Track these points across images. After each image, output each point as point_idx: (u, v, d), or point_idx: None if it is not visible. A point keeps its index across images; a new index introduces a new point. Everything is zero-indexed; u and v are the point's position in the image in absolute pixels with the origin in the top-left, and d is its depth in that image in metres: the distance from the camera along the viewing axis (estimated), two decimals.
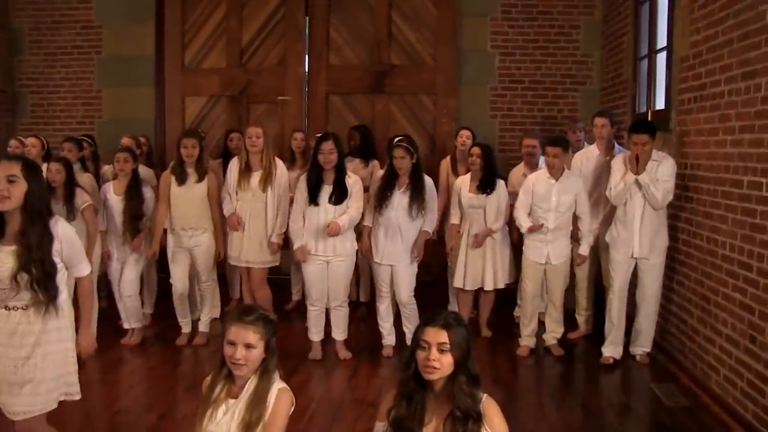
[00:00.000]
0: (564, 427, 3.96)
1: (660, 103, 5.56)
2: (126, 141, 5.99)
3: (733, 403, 3.91)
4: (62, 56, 7.60)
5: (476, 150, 5.25)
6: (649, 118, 5.53)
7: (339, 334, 5.03)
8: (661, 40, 5.40)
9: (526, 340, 5.18)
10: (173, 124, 7.32)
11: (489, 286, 5.33)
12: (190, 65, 7.36)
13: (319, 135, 5.01)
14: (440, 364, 2.22)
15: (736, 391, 3.87)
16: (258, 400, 2.38)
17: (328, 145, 4.70)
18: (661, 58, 5.43)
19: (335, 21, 7.15)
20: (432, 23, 7.05)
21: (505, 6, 7.03)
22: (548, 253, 5.03)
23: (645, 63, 5.80)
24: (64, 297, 2.90)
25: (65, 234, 2.83)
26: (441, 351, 2.22)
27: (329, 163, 4.71)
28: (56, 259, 2.80)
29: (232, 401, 2.42)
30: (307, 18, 7.15)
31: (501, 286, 5.39)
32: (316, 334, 4.99)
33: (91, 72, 7.60)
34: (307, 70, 7.19)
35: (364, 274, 6.24)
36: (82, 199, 5.01)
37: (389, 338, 5.12)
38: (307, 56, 7.18)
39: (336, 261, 4.86)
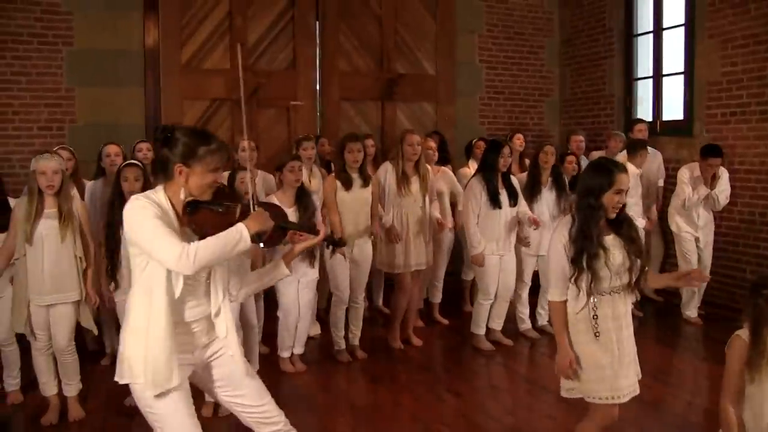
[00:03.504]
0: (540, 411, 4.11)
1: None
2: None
3: None
4: (14, 45, 6.15)
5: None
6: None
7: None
8: (674, 66, 6.83)
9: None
10: None
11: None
12: (189, 65, 6.61)
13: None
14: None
15: None
16: None
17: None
18: (671, 81, 6.88)
19: (345, 28, 7.12)
20: (432, 37, 7.50)
21: (489, 25, 7.75)
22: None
23: (640, 82, 7.22)
24: None
25: None
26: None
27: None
28: None
29: None
30: (317, 23, 7.04)
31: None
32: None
33: (59, 66, 6.30)
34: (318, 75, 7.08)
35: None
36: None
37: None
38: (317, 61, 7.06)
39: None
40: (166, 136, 2.32)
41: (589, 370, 2.81)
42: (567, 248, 2.76)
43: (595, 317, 2.78)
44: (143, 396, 2.32)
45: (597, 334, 2.78)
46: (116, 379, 2.36)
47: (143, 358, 2.27)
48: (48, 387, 3.88)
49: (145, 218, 2.25)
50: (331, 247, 2.71)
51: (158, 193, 2.35)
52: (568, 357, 2.79)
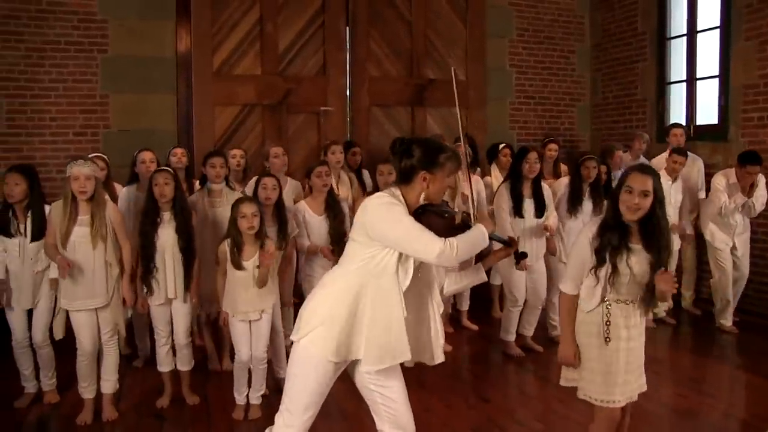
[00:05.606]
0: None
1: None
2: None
3: None
4: (53, 53, 6.31)
5: None
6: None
7: None
8: (709, 69, 6.72)
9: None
10: (203, 136, 6.59)
11: None
12: (220, 71, 6.70)
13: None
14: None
15: None
16: None
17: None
18: (705, 84, 6.78)
19: (375, 34, 7.16)
20: (463, 42, 7.51)
21: (519, 29, 7.75)
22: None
23: (674, 86, 7.14)
24: None
25: None
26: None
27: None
28: None
29: None
30: (347, 28, 7.08)
31: None
32: None
33: (94, 74, 6.43)
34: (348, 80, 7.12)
35: None
36: None
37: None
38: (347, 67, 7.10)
39: None
40: (405, 149, 2.51)
41: (590, 370, 2.83)
42: (592, 242, 2.77)
43: (607, 323, 2.78)
44: (304, 348, 2.48)
45: (608, 339, 2.78)
46: (292, 337, 2.53)
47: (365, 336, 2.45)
48: (87, 390, 3.95)
49: (399, 214, 2.42)
50: (516, 259, 2.86)
51: (397, 194, 2.52)
52: (571, 350, 2.84)
